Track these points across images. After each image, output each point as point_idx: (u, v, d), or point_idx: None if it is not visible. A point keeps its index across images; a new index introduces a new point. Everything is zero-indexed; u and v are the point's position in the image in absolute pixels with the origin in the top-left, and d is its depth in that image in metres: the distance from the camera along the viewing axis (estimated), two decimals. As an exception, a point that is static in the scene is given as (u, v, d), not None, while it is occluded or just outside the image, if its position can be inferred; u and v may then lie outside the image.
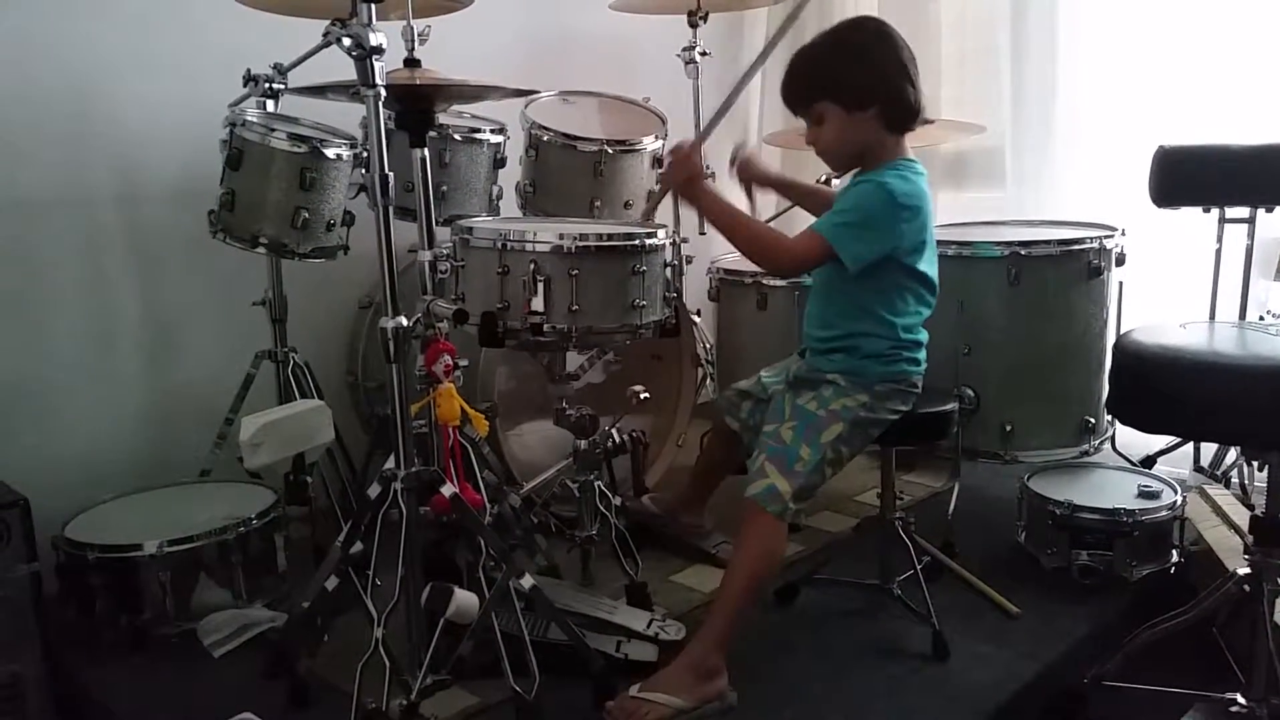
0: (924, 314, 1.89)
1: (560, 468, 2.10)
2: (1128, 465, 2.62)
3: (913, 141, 1.87)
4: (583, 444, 2.04)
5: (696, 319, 2.86)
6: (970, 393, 2.46)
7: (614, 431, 2.08)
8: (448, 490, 1.65)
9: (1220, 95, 2.79)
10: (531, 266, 1.79)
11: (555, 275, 1.79)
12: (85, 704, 1.87)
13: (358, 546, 1.68)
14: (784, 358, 2.09)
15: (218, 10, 2.23)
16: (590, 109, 2.71)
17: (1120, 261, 2.52)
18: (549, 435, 2.30)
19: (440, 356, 1.63)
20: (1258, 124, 2.69)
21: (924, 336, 1.91)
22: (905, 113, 1.81)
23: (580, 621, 1.83)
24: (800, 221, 2.07)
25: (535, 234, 1.82)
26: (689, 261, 2.85)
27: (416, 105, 1.85)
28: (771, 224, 2.31)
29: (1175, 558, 2.17)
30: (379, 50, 1.51)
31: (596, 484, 2.05)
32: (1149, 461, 2.71)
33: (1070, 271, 2.45)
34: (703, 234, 2.59)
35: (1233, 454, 2.65)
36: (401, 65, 1.88)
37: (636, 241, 1.86)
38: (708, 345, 2.92)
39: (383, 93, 1.54)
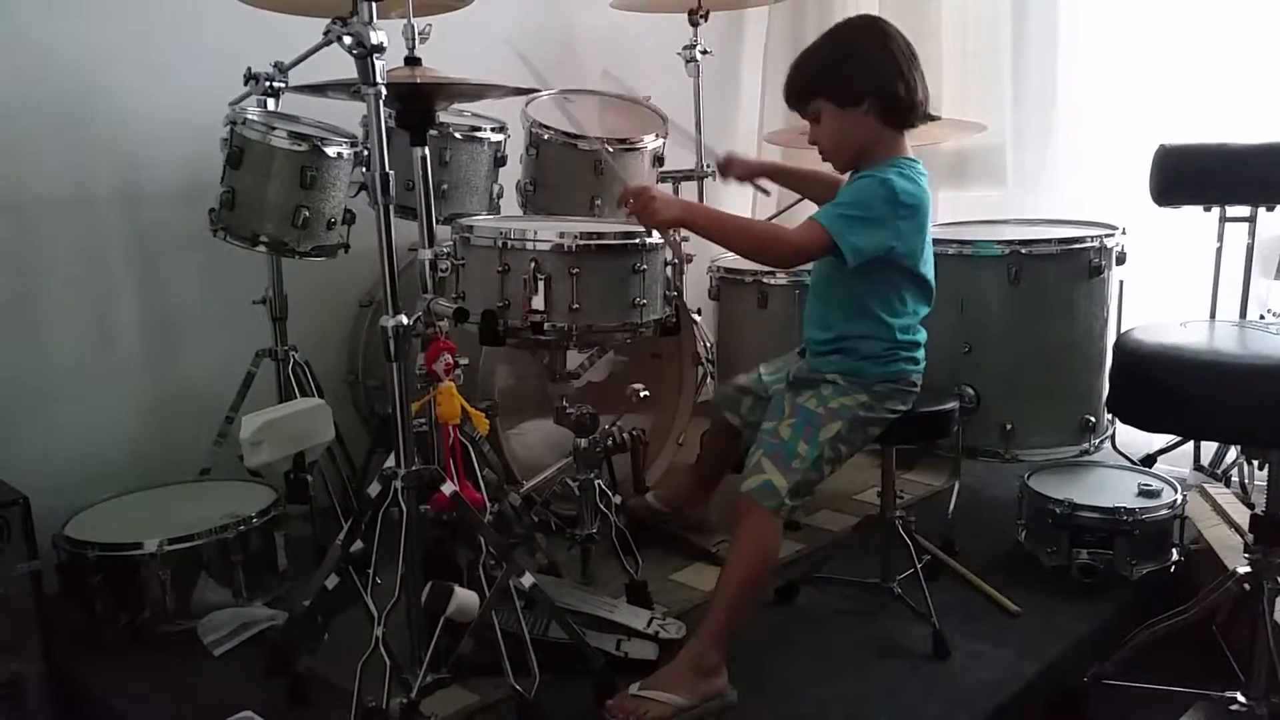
0: (922, 313, 1.90)
1: (560, 466, 2.10)
2: (1128, 464, 2.63)
3: (913, 140, 1.87)
4: (583, 442, 2.04)
5: (697, 317, 2.85)
6: (970, 391, 2.46)
7: (614, 430, 2.08)
8: (448, 488, 1.65)
9: (1221, 94, 2.80)
10: (532, 265, 1.79)
11: (556, 274, 1.80)
12: (85, 703, 1.87)
13: (358, 545, 1.68)
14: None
15: (218, 9, 2.24)
16: (590, 108, 2.71)
17: (1121, 260, 2.52)
18: (549, 434, 2.30)
19: (441, 355, 1.63)
20: (1259, 122, 2.70)
21: (922, 336, 1.91)
22: (901, 107, 1.80)
23: (580, 620, 1.83)
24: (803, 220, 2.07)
25: (536, 232, 1.83)
26: (689, 260, 2.84)
27: (417, 103, 1.85)
28: (775, 220, 2.31)
29: (1175, 556, 2.17)
30: (380, 48, 1.51)
31: (597, 482, 2.05)
32: (1149, 460, 2.72)
33: (1071, 270, 2.45)
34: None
35: (1233, 453, 2.65)
36: (402, 63, 1.87)
37: (637, 240, 1.87)
38: (708, 344, 2.91)
39: (383, 91, 1.54)
